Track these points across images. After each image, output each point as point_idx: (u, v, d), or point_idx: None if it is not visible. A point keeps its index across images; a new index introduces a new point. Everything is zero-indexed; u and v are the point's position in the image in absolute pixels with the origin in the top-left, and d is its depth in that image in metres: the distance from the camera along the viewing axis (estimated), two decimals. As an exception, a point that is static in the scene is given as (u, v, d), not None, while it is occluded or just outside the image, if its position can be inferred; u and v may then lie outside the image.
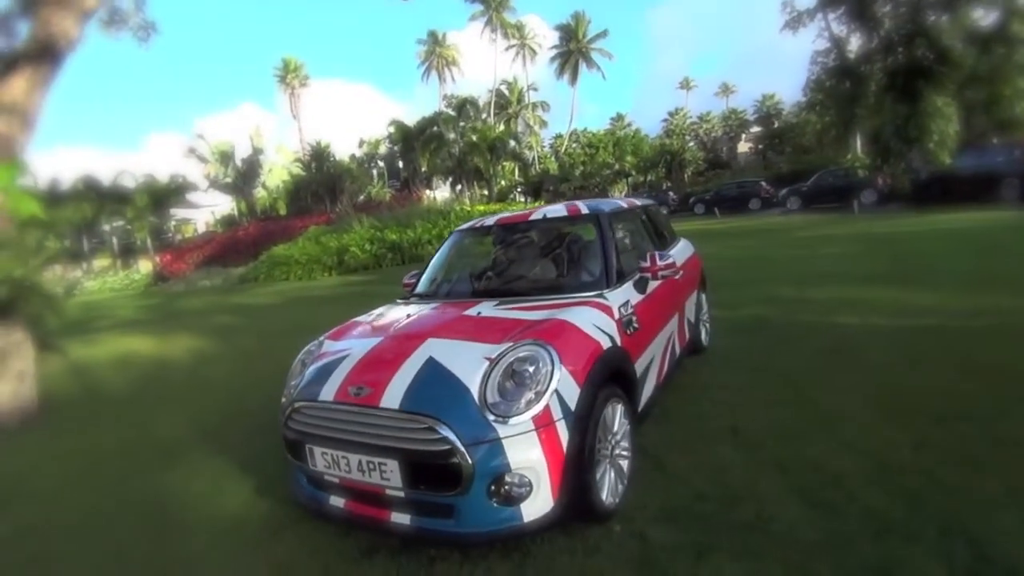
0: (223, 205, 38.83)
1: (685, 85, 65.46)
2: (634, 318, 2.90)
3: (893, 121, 16.75)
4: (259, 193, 35.26)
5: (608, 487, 2.39)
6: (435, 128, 35.64)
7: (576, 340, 2.42)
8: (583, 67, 47.03)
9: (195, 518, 2.87)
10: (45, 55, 6.65)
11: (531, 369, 2.19)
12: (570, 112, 52.00)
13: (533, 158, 47.95)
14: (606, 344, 2.51)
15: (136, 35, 10.20)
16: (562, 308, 2.66)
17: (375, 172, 41.54)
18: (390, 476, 2.15)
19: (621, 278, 3.11)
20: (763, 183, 25.92)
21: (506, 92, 49.49)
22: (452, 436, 2.03)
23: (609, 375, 2.48)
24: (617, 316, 2.76)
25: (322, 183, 32.75)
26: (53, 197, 24.23)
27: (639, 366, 2.90)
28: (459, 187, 37.54)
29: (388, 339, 2.70)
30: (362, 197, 33.61)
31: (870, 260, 8.36)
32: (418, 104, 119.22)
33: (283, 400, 2.65)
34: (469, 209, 21.84)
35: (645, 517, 2.38)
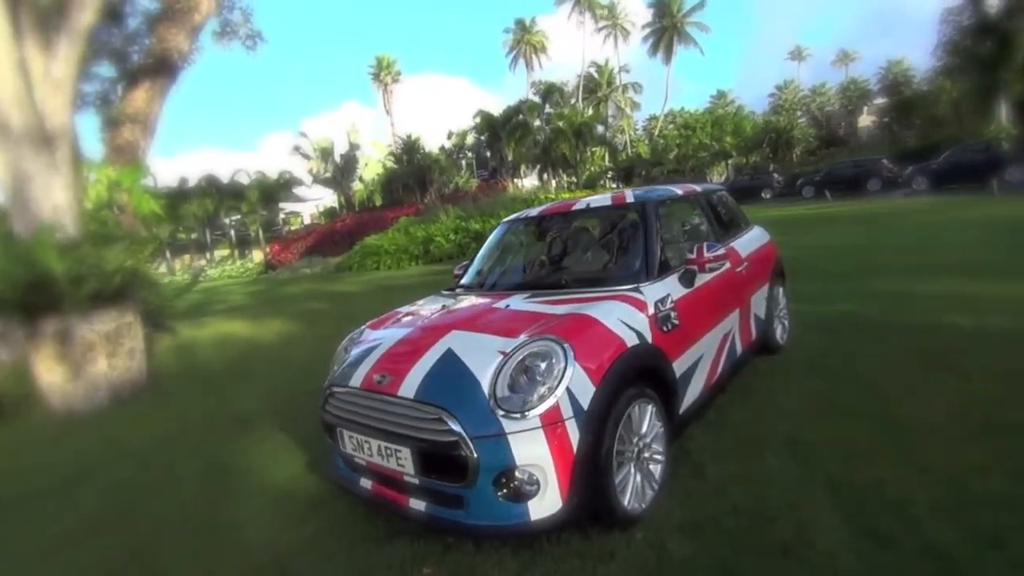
0: (327, 198, 41.61)
1: (796, 55, 60.12)
2: (673, 314, 2.70)
3: (1047, 85, 14.39)
4: (356, 186, 37.24)
5: (633, 492, 2.27)
6: (520, 116, 35.67)
7: (596, 336, 2.30)
8: (679, 44, 44.63)
9: (251, 486, 3.15)
10: (161, 68, 7.57)
11: (543, 365, 2.11)
12: (664, 92, 49.77)
13: (625, 142, 46.49)
14: (632, 341, 2.36)
15: (244, 44, 11.35)
16: (589, 302, 2.54)
17: (464, 163, 42.36)
18: (404, 463, 2.20)
19: (664, 271, 2.91)
20: (884, 161, 22.92)
21: (595, 75, 48.27)
22: (459, 428, 2.03)
23: (636, 374, 2.34)
24: (651, 311, 2.59)
25: (412, 175, 34.00)
26: (182, 194, 27.44)
27: (679, 366, 2.70)
28: (546, 175, 37.37)
29: (417, 330, 2.73)
30: (450, 187, 34.44)
31: (1002, 250, 7.17)
32: (507, 93, 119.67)
33: (325, 383, 2.77)
34: (553, 196, 21.67)
35: (670, 527, 2.23)
